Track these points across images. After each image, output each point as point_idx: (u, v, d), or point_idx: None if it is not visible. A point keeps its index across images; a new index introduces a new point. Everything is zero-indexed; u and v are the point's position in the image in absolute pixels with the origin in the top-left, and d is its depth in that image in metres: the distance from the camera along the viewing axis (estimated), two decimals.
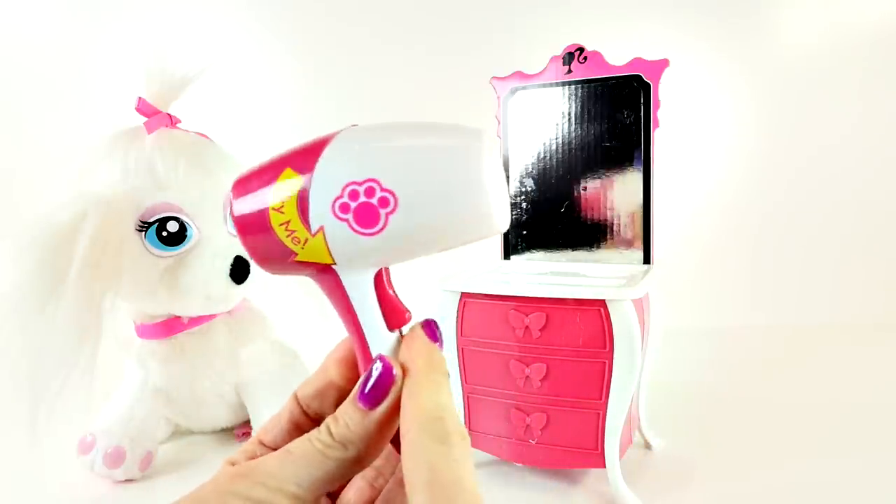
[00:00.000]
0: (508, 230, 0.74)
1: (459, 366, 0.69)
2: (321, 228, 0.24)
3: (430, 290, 0.68)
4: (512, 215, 0.79)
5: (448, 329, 0.68)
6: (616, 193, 0.75)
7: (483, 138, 0.23)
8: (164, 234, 0.72)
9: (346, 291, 0.25)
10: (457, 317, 0.68)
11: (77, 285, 0.62)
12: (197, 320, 0.78)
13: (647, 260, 0.75)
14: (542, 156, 0.79)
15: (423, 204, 0.23)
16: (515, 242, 0.81)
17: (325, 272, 0.25)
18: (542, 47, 0.80)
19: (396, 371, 0.24)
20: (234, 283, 0.74)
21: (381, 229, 0.23)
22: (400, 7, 1.47)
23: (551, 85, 0.77)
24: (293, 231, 0.24)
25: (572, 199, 0.78)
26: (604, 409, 0.63)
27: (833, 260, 1.41)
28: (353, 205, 0.23)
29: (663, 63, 0.71)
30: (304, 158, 0.24)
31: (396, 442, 0.26)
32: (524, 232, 0.80)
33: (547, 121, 0.78)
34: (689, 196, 1.43)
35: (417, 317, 0.27)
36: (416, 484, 0.21)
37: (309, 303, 0.88)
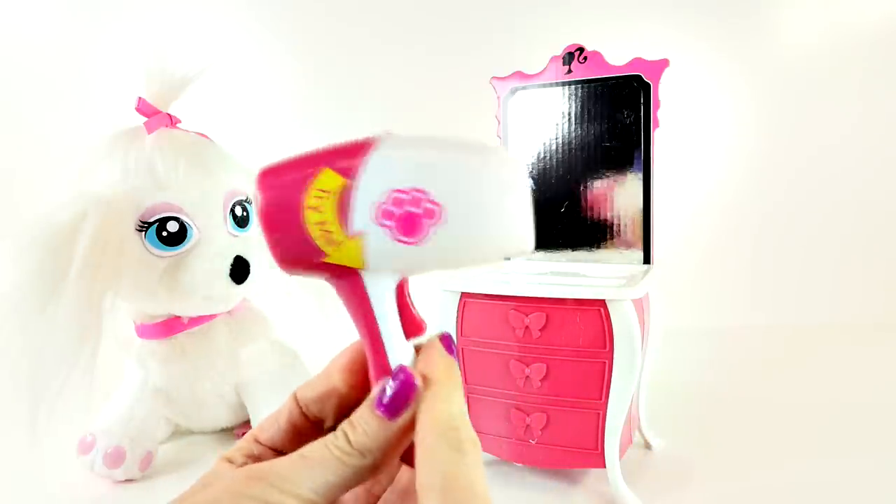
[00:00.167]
0: None
1: (460, 366, 0.69)
2: (361, 232, 0.24)
3: (431, 289, 0.68)
4: None
5: (448, 329, 0.68)
6: (616, 193, 0.75)
7: (521, 164, 0.25)
8: (164, 234, 0.72)
9: (368, 297, 0.25)
10: (457, 317, 0.68)
11: (77, 285, 0.62)
12: (197, 320, 0.78)
13: (647, 260, 0.75)
14: (542, 156, 0.79)
15: (467, 219, 0.23)
16: None
17: (349, 276, 0.25)
18: (542, 47, 0.80)
19: (418, 382, 0.24)
20: (234, 283, 0.74)
21: (422, 239, 0.23)
22: (400, 7, 1.47)
23: (551, 85, 0.77)
24: (329, 232, 0.24)
25: (572, 199, 0.78)
26: (604, 409, 0.63)
27: (833, 260, 1.41)
28: (397, 212, 0.23)
29: (663, 63, 0.71)
30: (347, 160, 0.24)
31: (403, 454, 0.26)
32: None
33: (547, 121, 0.78)
34: (689, 196, 1.43)
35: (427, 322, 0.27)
36: (432, 488, 0.22)
37: (309, 303, 0.88)
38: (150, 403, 0.79)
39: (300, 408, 0.27)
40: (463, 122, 1.07)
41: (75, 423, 0.72)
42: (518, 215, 0.24)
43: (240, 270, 0.74)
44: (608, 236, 0.76)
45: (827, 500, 0.66)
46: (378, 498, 0.28)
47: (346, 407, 0.26)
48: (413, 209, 0.23)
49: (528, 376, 0.65)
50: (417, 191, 0.23)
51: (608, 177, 0.76)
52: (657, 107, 0.72)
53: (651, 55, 0.72)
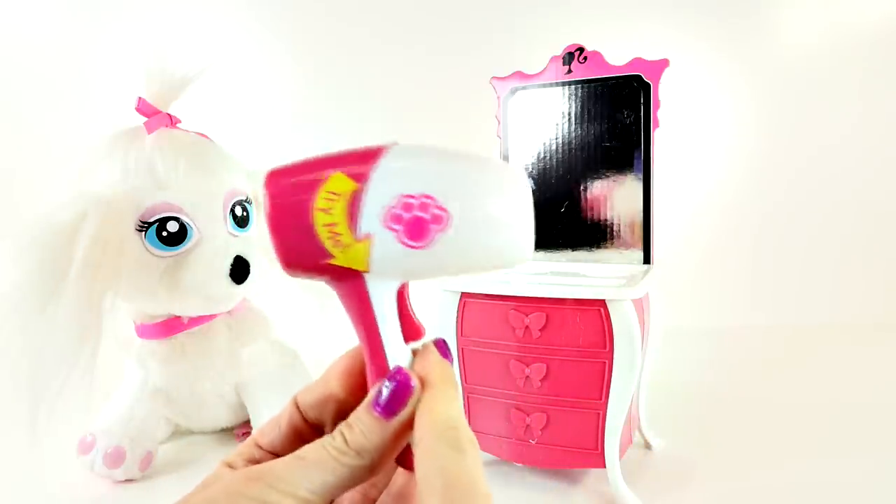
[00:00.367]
0: None
1: (459, 366, 0.69)
2: (368, 235, 0.24)
3: (430, 289, 0.68)
4: None
5: (448, 329, 0.68)
6: (616, 193, 0.75)
7: (524, 175, 0.25)
8: (164, 234, 0.72)
9: (370, 300, 0.26)
10: (457, 317, 0.68)
11: (77, 285, 0.62)
12: (197, 320, 0.78)
13: (647, 260, 0.75)
14: (542, 156, 0.79)
15: (473, 226, 0.24)
16: None
17: (352, 279, 0.26)
18: (542, 47, 0.80)
19: (415, 383, 0.25)
20: (234, 283, 0.74)
21: (429, 244, 0.24)
22: (400, 7, 1.47)
23: (551, 85, 0.77)
24: (338, 234, 0.24)
25: (572, 199, 0.78)
26: (604, 409, 0.63)
27: (833, 260, 1.41)
28: (405, 216, 0.24)
29: (663, 63, 0.71)
30: (358, 165, 0.24)
31: (399, 456, 0.26)
32: None
33: (547, 121, 0.78)
34: (689, 196, 1.43)
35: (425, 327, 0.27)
36: (432, 488, 0.22)
37: (309, 303, 0.88)
38: (150, 403, 0.79)
39: (300, 412, 0.27)
40: (463, 122, 1.07)
41: (75, 423, 0.72)
42: (521, 227, 0.25)
43: (240, 270, 0.74)
44: (608, 236, 0.76)
45: (827, 500, 0.66)
46: (374, 501, 0.28)
47: (344, 412, 0.26)
48: (421, 214, 0.24)
49: (528, 376, 0.65)
50: (426, 196, 0.24)
51: (608, 177, 0.76)
52: (657, 107, 0.72)
53: (651, 55, 0.72)
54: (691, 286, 1.30)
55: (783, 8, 1.41)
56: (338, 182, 0.24)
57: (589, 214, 0.77)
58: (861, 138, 1.40)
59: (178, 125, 0.77)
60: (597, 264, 0.77)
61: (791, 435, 0.81)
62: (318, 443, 0.24)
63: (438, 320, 0.69)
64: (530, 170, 0.79)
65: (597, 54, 0.74)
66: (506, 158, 0.80)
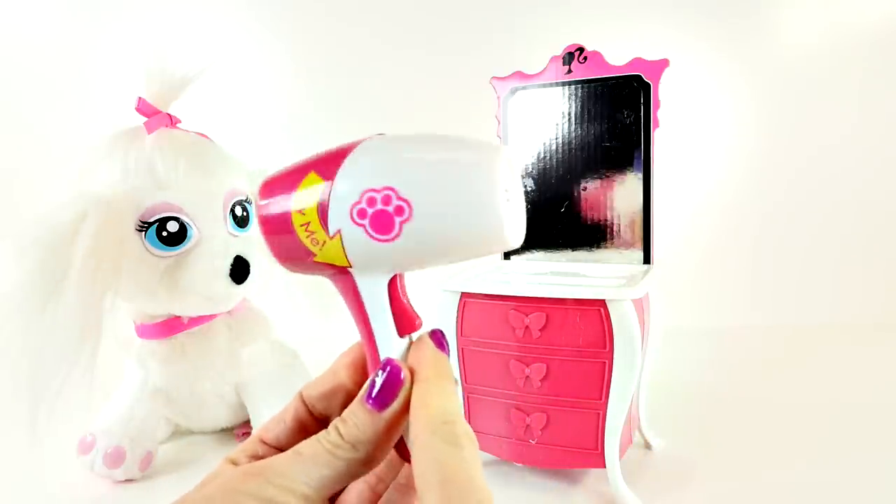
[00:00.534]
0: None
1: (459, 366, 0.69)
2: (338, 232, 0.25)
3: (430, 289, 0.68)
4: None
5: (448, 329, 0.68)
6: (616, 193, 0.75)
7: (500, 155, 0.24)
8: (164, 234, 0.72)
9: (359, 294, 0.26)
10: (457, 317, 0.68)
11: (77, 285, 0.62)
12: (197, 320, 0.78)
13: (647, 260, 0.75)
14: (542, 156, 0.79)
15: (436, 215, 0.24)
16: None
17: (341, 274, 0.26)
18: (542, 47, 0.79)
19: (405, 374, 0.25)
20: (234, 283, 0.74)
21: (395, 237, 0.24)
22: (400, 7, 1.47)
23: (551, 85, 0.77)
24: (313, 233, 0.25)
25: (572, 199, 0.78)
26: (604, 409, 0.63)
27: (833, 260, 1.41)
28: (370, 211, 0.24)
29: (663, 63, 0.71)
30: (328, 164, 0.25)
31: (399, 449, 0.26)
32: None
33: (547, 121, 0.78)
34: (689, 196, 1.43)
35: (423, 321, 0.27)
36: (429, 484, 0.22)
37: (309, 303, 0.88)
38: (150, 403, 0.79)
39: (306, 406, 0.28)
40: (463, 122, 1.07)
41: (75, 423, 0.72)
42: (490, 210, 0.23)
43: (240, 270, 0.74)
44: (608, 236, 0.76)
45: (827, 499, 0.66)
46: (380, 496, 0.28)
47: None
48: (384, 207, 0.24)
49: (528, 376, 0.65)
50: (388, 189, 0.24)
51: (608, 177, 0.76)
52: (657, 107, 0.72)
53: (651, 55, 0.72)
54: (691, 286, 1.30)
55: (783, 8, 1.41)
56: (311, 182, 0.25)
57: (589, 214, 0.77)
58: (861, 138, 1.40)
59: (178, 125, 0.77)
60: (597, 264, 0.77)
61: (791, 435, 0.81)
62: (314, 438, 0.25)
63: (438, 320, 0.69)
64: (530, 170, 0.79)
65: (597, 54, 0.74)
66: None
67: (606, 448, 0.64)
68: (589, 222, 0.77)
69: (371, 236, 0.24)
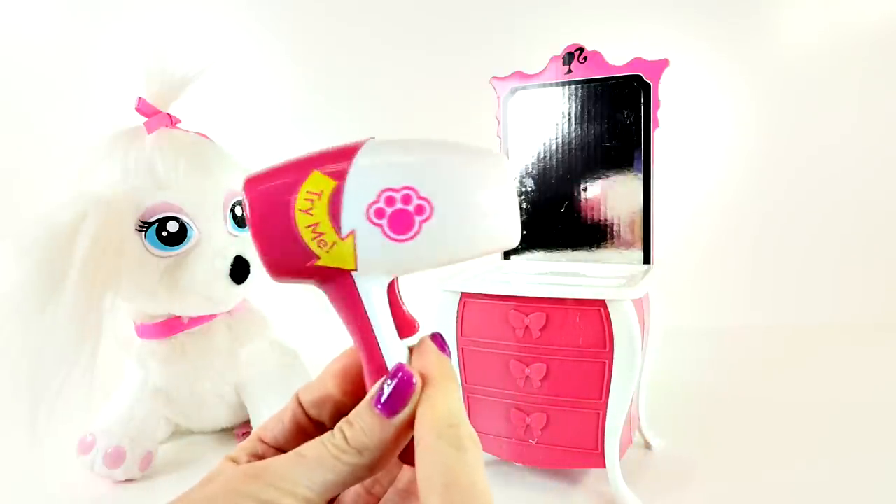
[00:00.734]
0: None
1: (459, 366, 0.69)
2: (352, 232, 0.24)
3: (430, 289, 0.68)
4: None
5: (448, 329, 0.68)
6: (616, 193, 0.75)
7: (505, 159, 0.25)
8: (164, 234, 0.72)
9: (360, 299, 0.26)
10: (457, 317, 0.68)
11: (77, 285, 0.62)
12: (197, 320, 0.78)
13: (647, 260, 0.75)
14: (542, 156, 0.79)
15: (456, 213, 0.24)
16: None
17: (340, 279, 0.25)
18: (542, 47, 0.79)
19: (416, 380, 0.25)
20: (234, 283, 0.74)
21: (414, 236, 0.24)
22: (400, 7, 1.47)
23: (551, 85, 0.77)
24: (321, 234, 0.24)
25: (572, 199, 0.78)
26: (604, 409, 0.63)
27: (833, 260, 1.41)
28: (388, 210, 0.24)
29: (663, 63, 0.71)
30: (335, 163, 0.24)
31: (401, 453, 0.26)
32: (524, 232, 0.80)
33: (547, 121, 0.78)
34: (688, 196, 1.43)
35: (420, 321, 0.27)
36: (433, 487, 0.22)
37: (309, 303, 0.88)
38: (150, 403, 0.79)
39: (303, 408, 0.27)
40: (463, 122, 1.07)
41: (75, 423, 0.72)
42: (504, 209, 0.25)
43: (240, 270, 0.74)
44: (608, 236, 0.76)
45: (827, 499, 0.66)
46: (379, 499, 0.28)
47: (342, 413, 0.26)
48: (404, 206, 0.24)
49: (528, 376, 0.65)
50: (408, 188, 0.24)
51: (608, 177, 0.76)
52: (657, 107, 0.72)
53: (651, 55, 0.72)
54: (691, 286, 1.30)
55: (783, 8, 1.41)
56: (316, 181, 0.24)
57: (589, 214, 0.77)
58: (861, 138, 1.40)
59: (178, 125, 0.77)
60: (597, 264, 0.77)
61: (791, 435, 0.81)
62: (318, 440, 0.24)
63: (438, 320, 0.69)
64: (530, 170, 0.79)
65: (597, 54, 0.74)
66: None
67: (606, 448, 0.64)
68: (589, 222, 0.77)
69: (388, 236, 0.24)
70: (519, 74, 0.79)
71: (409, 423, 0.24)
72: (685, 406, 0.92)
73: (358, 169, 0.24)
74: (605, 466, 0.64)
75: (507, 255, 0.82)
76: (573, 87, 0.76)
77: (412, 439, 0.24)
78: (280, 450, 0.26)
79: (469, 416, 0.69)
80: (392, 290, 0.26)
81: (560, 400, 0.65)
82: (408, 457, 0.26)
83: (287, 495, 0.22)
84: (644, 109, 0.73)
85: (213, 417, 0.84)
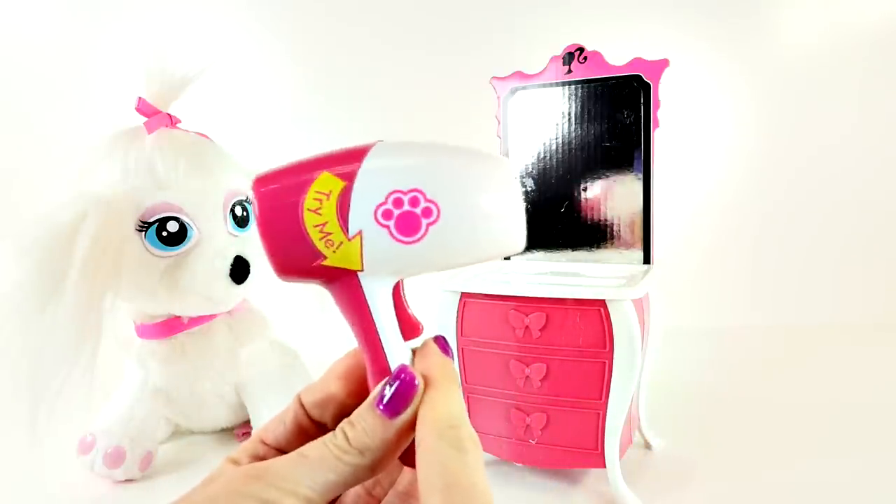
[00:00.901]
0: None
1: (459, 366, 0.69)
2: (360, 233, 0.24)
3: (430, 289, 0.68)
4: None
5: (448, 329, 0.68)
6: (616, 193, 0.75)
7: (512, 165, 0.26)
8: (164, 234, 0.72)
9: (365, 300, 0.26)
10: (457, 317, 0.68)
11: (77, 285, 0.62)
12: (197, 320, 0.78)
13: (647, 260, 0.75)
14: (542, 156, 0.79)
15: (463, 217, 0.24)
16: None
17: (346, 280, 0.25)
18: (542, 47, 0.80)
19: (419, 382, 0.25)
20: (234, 283, 0.74)
21: (420, 238, 0.24)
22: (400, 7, 1.47)
23: (551, 85, 0.77)
24: (328, 234, 0.24)
25: (572, 199, 0.78)
26: (604, 409, 0.63)
27: (833, 260, 1.41)
28: (396, 212, 0.24)
29: (663, 63, 0.71)
30: (344, 164, 0.25)
31: (402, 454, 0.26)
32: None
33: (547, 121, 0.78)
34: (689, 196, 1.43)
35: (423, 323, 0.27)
36: (433, 488, 0.22)
37: (309, 303, 0.88)
38: (150, 403, 0.79)
39: (304, 409, 0.27)
40: (463, 122, 1.07)
41: (75, 423, 0.72)
42: (510, 213, 0.25)
43: (240, 270, 0.74)
44: (608, 236, 0.76)
45: (827, 499, 0.66)
46: (379, 500, 0.28)
47: (344, 414, 0.26)
48: (412, 208, 0.24)
49: (528, 376, 0.65)
50: (416, 191, 0.24)
51: (608, 177, 0.76)
52: (657, 107, 0.72)
53: (651, 55, 0.72)
54: (691, 286, 1.30)
55: (783, 8, 1.41)
56: (326, 182, 0.24)
57: (589, 214, 0.77)
58: (861, 138, 1.40)
59: (178, 125, 0.77)
60: (597, 264, 0.77)
61: (791, 435, 0.81)
62: (320, 441, 0.24)
63: (438, 320, 0.69)
64: (530, 170, 0.79)
65: (597, 54, 0.74)
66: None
67: (606, 448, 0.64)
68: (589, 222, 0.77)
69: (395, 238, 0.24)
70: (519, 74, 0.79)
71: (411, 425, 0.24)
72: (685, 406, 0.92)
73: (367, 170, 0.24)
74: (605, 466, 0.64)
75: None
76: (573, 87, 0.76)
77: (413, 441, 0.24)
78: (281, 451, 0.26)
79: (469, 415, 0.70)
80: (397, 291, 0.26)
81: (560, 400, 0.65)
82: (408, 459, 0.26)
83: (289, 495, 0.22)
84: (644, 109, 0.73)
85: (213, 417, 0.84)
